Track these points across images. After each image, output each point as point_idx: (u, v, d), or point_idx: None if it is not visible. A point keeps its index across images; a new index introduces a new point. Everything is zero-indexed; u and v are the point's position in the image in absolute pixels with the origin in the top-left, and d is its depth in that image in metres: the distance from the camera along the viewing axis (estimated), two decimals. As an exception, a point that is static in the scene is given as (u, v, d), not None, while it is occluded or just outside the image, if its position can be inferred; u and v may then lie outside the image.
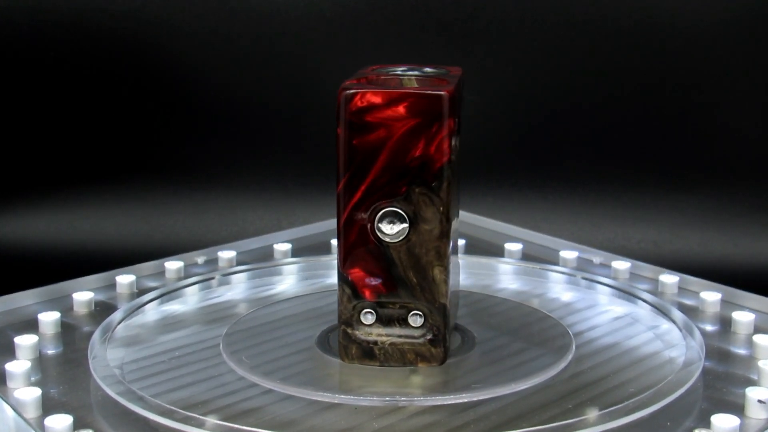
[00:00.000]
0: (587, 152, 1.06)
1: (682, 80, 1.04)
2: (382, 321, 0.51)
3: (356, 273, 0.51)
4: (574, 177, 1.06)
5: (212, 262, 0.71)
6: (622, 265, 0.69)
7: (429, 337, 0.51)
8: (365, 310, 0.51)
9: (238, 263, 0.71)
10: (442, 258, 0.50)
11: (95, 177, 1.08)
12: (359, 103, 0.49)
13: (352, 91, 0.49)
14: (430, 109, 0.49)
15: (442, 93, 0.49)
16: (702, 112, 1.04)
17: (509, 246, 0.73)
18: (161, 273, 0.69)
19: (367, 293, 0.51)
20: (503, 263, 0.71)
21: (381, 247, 0.50)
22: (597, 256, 0.72)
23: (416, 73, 0.55)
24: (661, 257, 0.99)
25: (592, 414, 0.48)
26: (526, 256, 0.73)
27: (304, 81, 1.07)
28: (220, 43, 1.07)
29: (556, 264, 0.71)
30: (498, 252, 0.73)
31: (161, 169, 1.09)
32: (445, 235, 0.50)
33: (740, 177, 1.04)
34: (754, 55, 1.02)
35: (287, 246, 0.73)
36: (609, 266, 0.69)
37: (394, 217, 0.50)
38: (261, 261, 0.72)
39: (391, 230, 0.50)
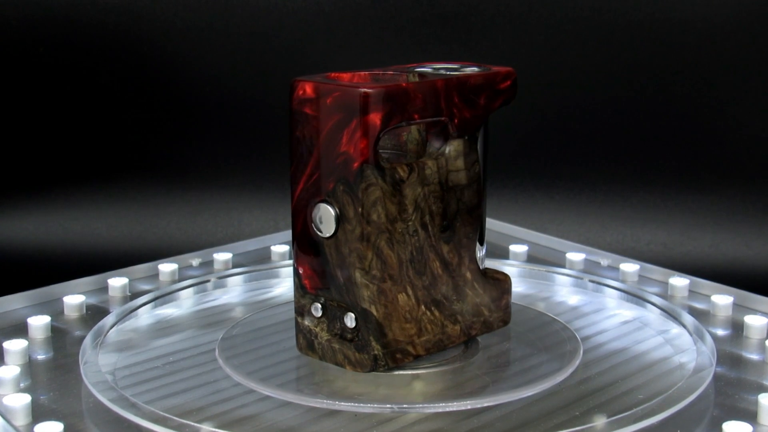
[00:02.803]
0: (595, 151, 1.07)
1: (693, 77, 1.04)
2: (329, 316, 0.52)
3: (300, 264, 0.52)
4: (581, 177, 1.07)
5: (207, 264, 0.71)
6: (630, 267, 0.69)
7: (356, 341, 0.51)
8: (315, 303, 0.52)
9: (234, 265, 0.71)
10: (363, 261, 0.49)
11: (86, 176, 1.08)
12: (299, 94, 0.50)
13: (296, 82, 0.50)
14: (349, 105, 0.48)
15: (360, 90, 0.48)
16: (714, 110, 1.04)
17: (514, 248, 0.74)
18: (155, 276, 0.69)
19: (307, 285, 0.52)
20: (508, 265, 0.71)
21: (317, 241, 0.51)
22: (605, 258, 0.72)
23: (442, 71, 0.54)
24: (671, 259, 0.99)
25: (600, 421, 0.48)
26: (531, 258, 0.73)
27: (302, 77, 1.07)
28: (216, 38, 1.07)
29: (563, 266, 0.71)
30: (503, 254, 0.73)
31: (154, 168, 1.09)
32: (365, 238, 0.49)
33: (753, 177, 1.04)
34: (768, 51, 1.02)
35: (285, 248, 0.74)
36: (617, 269, 0.69)
37: (323, 212, 0.50)
38: (258, 263, 0.72)
39: (320, 225, 0.50)
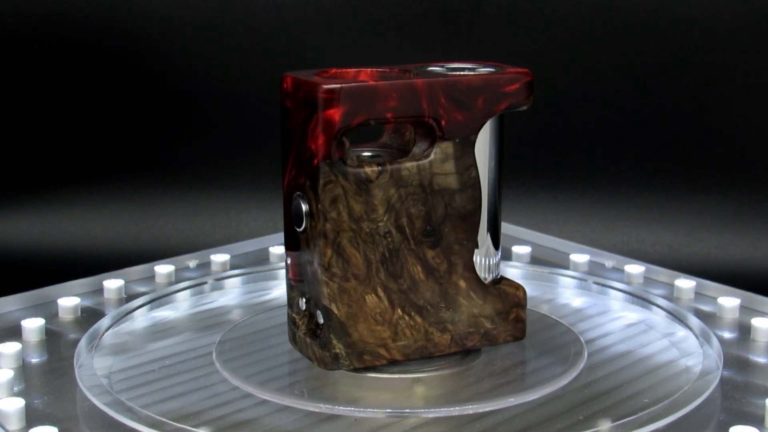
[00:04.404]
0: (599, 150, 1.07)
1: (698, 75, 1.04)
2: (310, 311, 0.53)
3: (288, 255, 0.54)
4: (585, 177, 1.06)
5: (204, 265, 0.71)
6: (635, 269, 0.69)
7: (321, 337, 0.52)
8: (302, 297, 0.53)
9: (232, 267, 0.71)
10: (323, 257, 0.50)
11: (81, 176, 1.08)
12: (284, 88, 0.51)
13: (284, 76, 0.51)
14: (313, 100, 0.49)
15: (321, 86, 0.49)
16: (720, 108, 1.04)
17: (517, 249, 0.73)
18: (151, 277, 0.69)
19: (292, 278, 0.53)
20: (511, 267, 0.71)
21: (296, 234, 0.52)
22: (609, 260, 0.72)
23: (456, 71, 0.54)
24: (676, 261, 0.99)
25: (605, 426, 0.48)
26: (535, 260, 0.73)
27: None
28: (213, 36, 1.07)
29: (567, 268, 0.71)
30: (506, 255, 0.73)
31: (151, 167, 1.09)
32: (324, 234, 0.50)
33: (759, 176, 1.04)
34: (775, 48, 1.02)
35: (284, 249, 0.73)
36: (622, 270, 0.69)
37: (297, 207, 0.51)
38: (256, 265, 0.72)
39: (295, 219, 0.51)
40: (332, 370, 0.52)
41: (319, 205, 0.49)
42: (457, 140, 0.52)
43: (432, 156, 0.51)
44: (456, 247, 0.53)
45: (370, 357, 0.52)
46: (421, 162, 0.51)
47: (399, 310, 0.52)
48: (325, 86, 0.48)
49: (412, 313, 0.52)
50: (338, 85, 0.49)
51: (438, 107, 0.51)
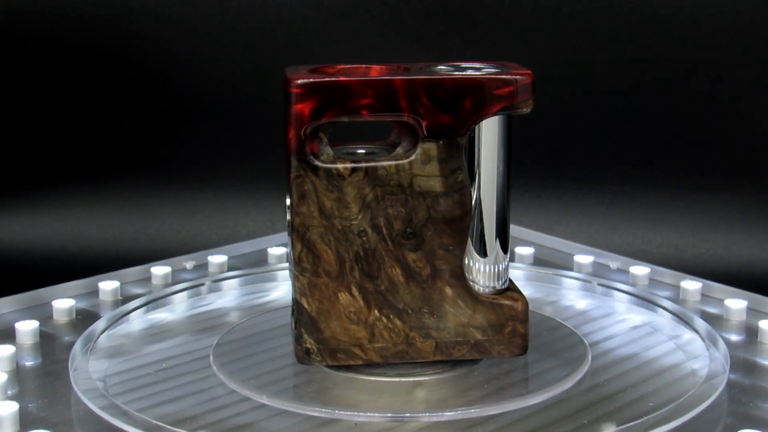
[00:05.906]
0: (604, 150, 1.06)
1: (705, 73, 1.04)
2: None
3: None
4: (589, 176, 1.06)
5: (202, 267, 0.71)
6: (640, 270, 0.69)
7: (296, 330, 0.52)
8: None
9: (230, 268, 0.71)
10: (294, 251, 0.51)
11: (76, 176, 1.08)
12: (282, 82, 0.52)
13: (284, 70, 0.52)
14: (288, 94, 0.50)
15: (293, 80, 0.49)
16: (726, 107, 1.04)
17: (520, 250, 0.73)
18: (147, 279, 0.69)
19: (289, 267, 0.54)
20: (514, 268, 0.71)
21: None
22: (614, 261, 0.72)
23: (461, 70, 0.53)
24: (682, 262, 0.99)
25: (609, 430, 0.48)
26: (538, 261, 0.73)
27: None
28: (211, 33, 1.07)
29: (571, 269, 0.71)
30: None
31: (147, 167, 1.09)
32: (293, 229, 0.51)
33: (767, 176, 1.04)
34: (782, 46, 1.02)
35: (282, 250, 0.73)
36: (627, 272, 0.69)
37: (286, 200, 0.52)
38: (254, 266, 0.72)
39: (285, 211, 0.52)
40: (306, 365, 0.53)
41: (291, 199, 0.50)
42: (442, 142, 0.51)
43: (413, 156, 0.51)
44: (441, 253, 0.52)
45: (344, 356, 0.52)
46: (400, 162, 0.51)
47: (376, 311, 0.52)
48: (296, 81, 0.49)
49: (391, 316, 0.52)
50: (308, 80, 0.49)
51: (418, 107, 0.50)
